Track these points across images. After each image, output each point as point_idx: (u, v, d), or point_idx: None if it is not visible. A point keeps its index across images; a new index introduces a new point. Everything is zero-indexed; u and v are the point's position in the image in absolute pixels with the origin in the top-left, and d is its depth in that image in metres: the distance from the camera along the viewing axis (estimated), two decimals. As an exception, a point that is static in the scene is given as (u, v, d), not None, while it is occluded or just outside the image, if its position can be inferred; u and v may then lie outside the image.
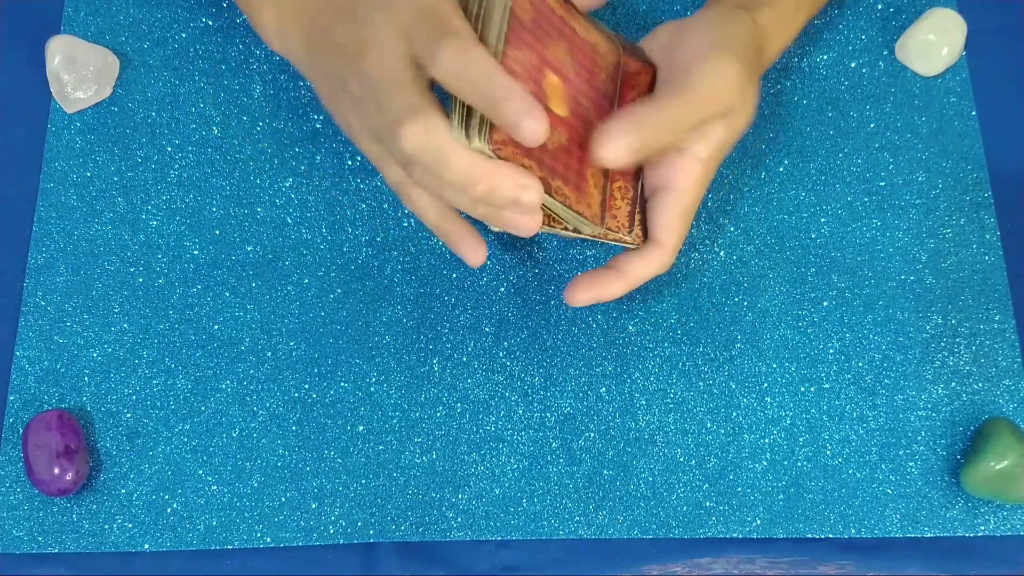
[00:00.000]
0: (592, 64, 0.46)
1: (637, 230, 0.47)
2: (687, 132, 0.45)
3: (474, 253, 0.47)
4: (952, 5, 0.59)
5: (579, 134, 0.44)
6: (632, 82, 0.48)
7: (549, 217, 0.45)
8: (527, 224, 0.42)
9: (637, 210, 0.47)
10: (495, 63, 0.39)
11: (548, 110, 0.42)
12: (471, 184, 0.40)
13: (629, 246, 0.47)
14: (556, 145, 0.43)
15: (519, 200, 0.41)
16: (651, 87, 0.48)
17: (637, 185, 0.48)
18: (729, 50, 0.45)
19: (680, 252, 0.55)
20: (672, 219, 0.46)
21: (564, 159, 0.43)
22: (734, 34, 0.46)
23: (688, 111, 0.44)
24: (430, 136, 0.40)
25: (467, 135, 0.40)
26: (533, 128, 0.38)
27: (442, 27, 0.40)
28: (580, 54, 0.45)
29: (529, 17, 0.43)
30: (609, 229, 0.46)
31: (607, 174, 0.46)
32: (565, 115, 0.43)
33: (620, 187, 0.47)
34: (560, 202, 0.43)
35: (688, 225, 0.47)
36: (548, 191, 0.42)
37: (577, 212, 0.43)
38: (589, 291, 0.47)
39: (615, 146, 0.42)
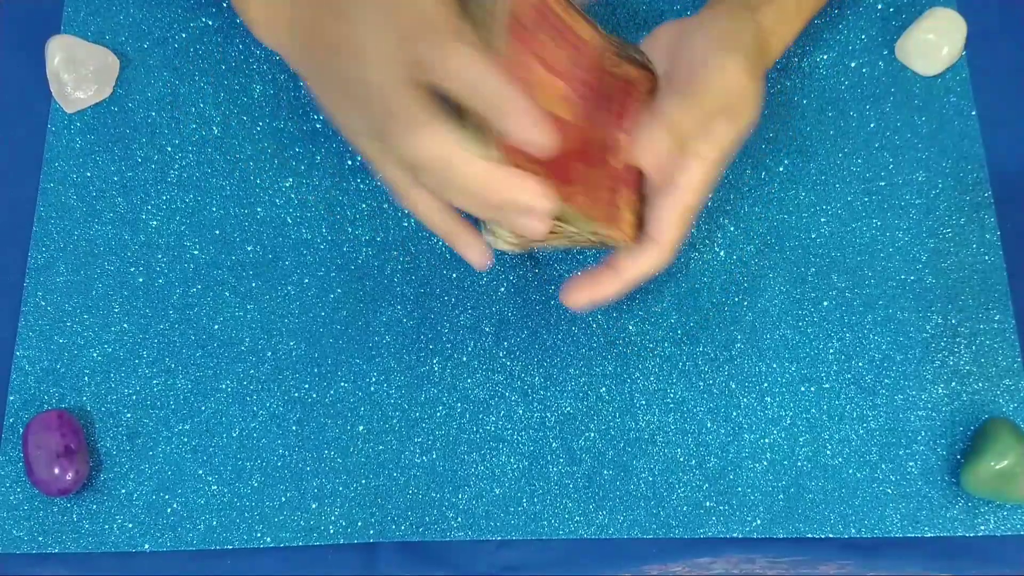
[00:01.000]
0: (593, 66, 0.46)
1: (636, 229, 0.47)
2: (695, 132, 0.45)
3: (481, 256, 0.47)
4: (952, 5, 0.59)
5: (583, 136, 0.44)
6: (633, 90, 0.47)
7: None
8: (537, 228, 0.42)
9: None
10: (502, 73, 0.39)
11: (551, 114, 0.42)
12: (487, 193, 0.40)
13: (627, 244, 0.47)
14: (562, 150, 0.43)
15: (534, 208, 0.40)
16: (652, 92, 0.48)
17: (640, 194, 0.47)
18: (736, 49, 0.45)
19: (680, 252, 0.54)
20: (672, 217, 0.46)
21: (569, 163, 0.43)
22: (739, 32, 0.46)
23: (697, 112, 0.44)
24: (442, 146, 0.40)
25: (478, 143, 0.40)
26: (541, 142, 0.38)
27: (448, 34, 0.39)
28: (581, 57, 0.45)
29: (530, 19, 0.42)
30: (612, 238, 0.45)
31: (611, 174, 0.46)
32: (569, 118, 0.43)
33: (626, 197, 0.46)
34: (573, 208, 0.43)
35: (688, 224, 0.47)
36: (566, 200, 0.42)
37: (589, 217, 0.43)
38: (584, 292, 0.47)
39: (655, 153, 0.43)
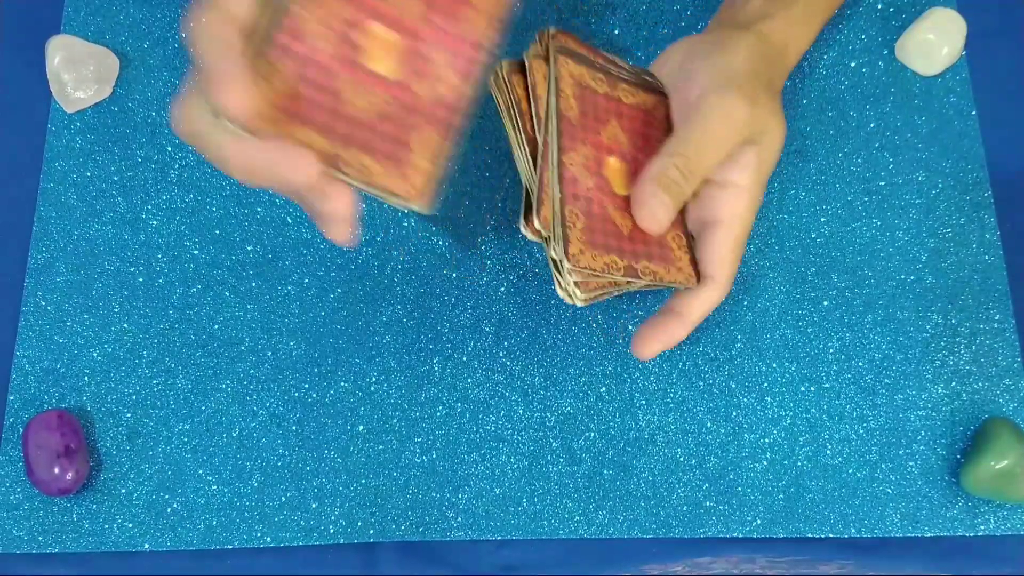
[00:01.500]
0: (646, 127, 0.47)
1: (694, 267, 0.47)
2: (711, 170, 0.45)
3: (334, 231, 0.39)
4: (952, 5, 0.59)
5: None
6: (651, 119, 0.48)
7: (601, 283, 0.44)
8: (333, 208, 0.37)
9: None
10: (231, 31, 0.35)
11: (614, 194, 0.44)
12: (249, 174, 0.36)
13: (684, 287, 0.47)
14: (632, 228, 0.43)
15: (296, 177, 0.35)
16: (668, 118, 0.48)
17: (685, 230, 0.48)
18: (729, 85, 0.44)
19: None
20: (724, 253, 0.46)
21: (642, 236, 0.44)
22: (733, 64, 0.46)
23: (704, 153, 0.44)
24: (195, 123, 0.36)
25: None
26: (223, 96, 0.34)
27: None
28: (632, 123, 0.46)
29: (576, 112, 0.44)
30: (676, 283, 0.46)
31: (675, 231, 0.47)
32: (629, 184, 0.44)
33: (674, 237, 0.47)
34: (649, 281, 0.43)
35: (740, 256, 0.47)
36: (635, 275, 0.42)
37: (671, 282, 0.44)
38: (656, 342, 0.46)
39: (649, 212, 0.43)
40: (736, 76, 0.45)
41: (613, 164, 0.44)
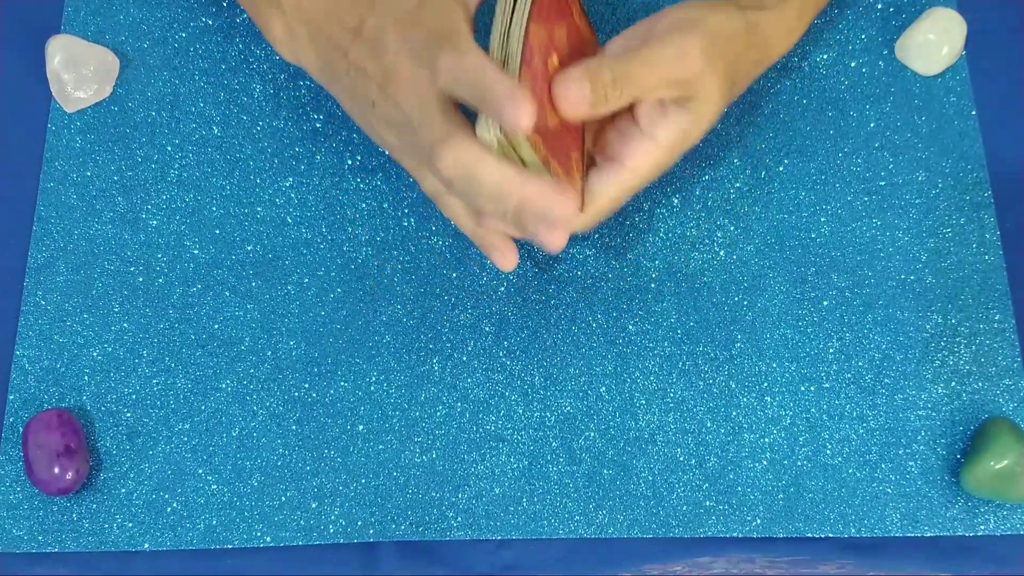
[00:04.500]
0: (582, 49, 0.47)
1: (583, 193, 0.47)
2: (637, 95, 0.44)
3: (504, 259, 0.51)
4: (952, 5, 0.59)
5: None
6: (587, 46, 0.49)
7: None
8: (553, 240, 0.43)
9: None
10: (486, 61, 0.40)
11: (550, 87, 0.43)
12: (504, 199, 0.41)
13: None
14: (555, 126, 0.43)
15: (547, 216, 0.41)
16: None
17: (584, 156, 0.48)
18: (694, 32, 0.44)
19: (680, 252, 0.55)
20: (609, 191, 0.46)
21: (559, 140, 0.44)
22: (712, 25, 0.46)
23: (642, 75, 0.43)
24: (461, 159, 0.41)
25: (487, 130, 0.41)
26: (512, 114, 0.38)
27: (462, 43, 0.41)
28: (575, 39, 0.47)
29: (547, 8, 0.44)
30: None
31: (580, 153, 0.47)
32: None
33: (576, 160, 0.47)
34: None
35: (619, 205, 0.47)
36: (548, 168, 0.42)
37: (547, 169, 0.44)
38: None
39: (570, 96, 0.42)
40: (707, 33, 0.45)
41: (555, 62, 0.44)
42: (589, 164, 0.48)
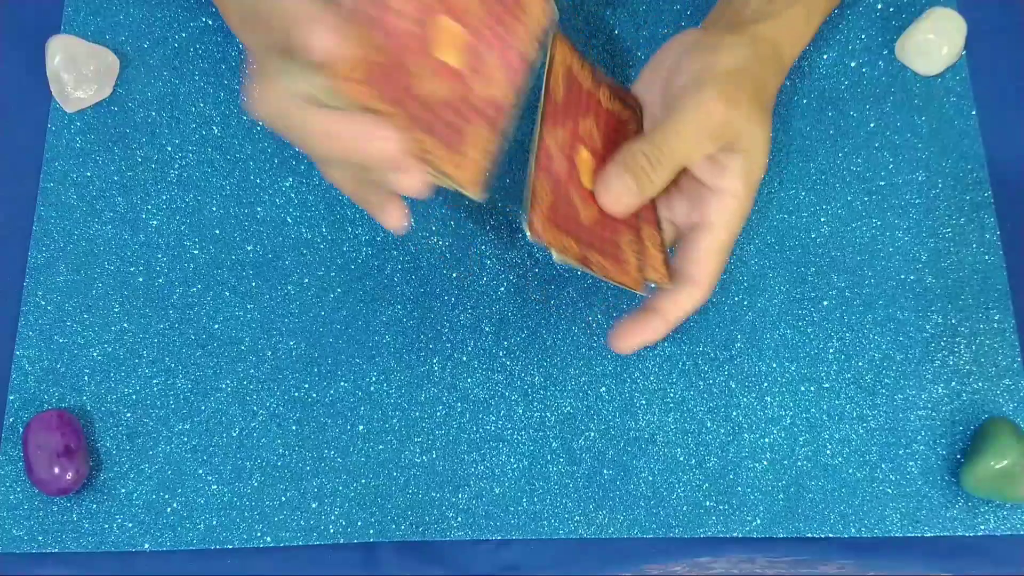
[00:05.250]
0: (617, 134, 0.47)
1: (667, 267, 0.48)
2: (680, 164, 0.45)
3: (389, 217, 0.44)
4: (952, 5, 0.59)
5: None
6: (622, 128, 0.48)
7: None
8: (408, 184, 0.39)
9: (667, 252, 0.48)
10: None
11: (580, 185, 0.44)
12: (332, 145, 0.37)
13: (664, 286, 0.47)
14: (591, 219, 0.44)
15: (386, 152, 0.37)
16: (638, 133, 0.49)
17: (660, 229, 0.48)
18: (711, 85, 0.44)
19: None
20: (707, 256, 0.46)
21: (599, 232, 0.44)
22: (718, 65, 0.46)
23: (674, 146, 0.44)
24: (277, 103, 0.37)
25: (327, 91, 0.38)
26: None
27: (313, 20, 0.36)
28: (606, 126, 0.47)
29: (562, 95, 0.44)
30: (649, 281, 0.46)
31: (638, 233, 0.47)
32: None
33: (649, 235, 0.47)
34: (600, 274, 0.43)
35: (724, 261, 0.47)
36: (587, 265, 0.42)
37: (619, 283, 0.44)
38: (633, 338, 0.47)
39: (613, 193, 0.44)
40: (719, 77, 0.45)
41: (584, 156, 0.45)
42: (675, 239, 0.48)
